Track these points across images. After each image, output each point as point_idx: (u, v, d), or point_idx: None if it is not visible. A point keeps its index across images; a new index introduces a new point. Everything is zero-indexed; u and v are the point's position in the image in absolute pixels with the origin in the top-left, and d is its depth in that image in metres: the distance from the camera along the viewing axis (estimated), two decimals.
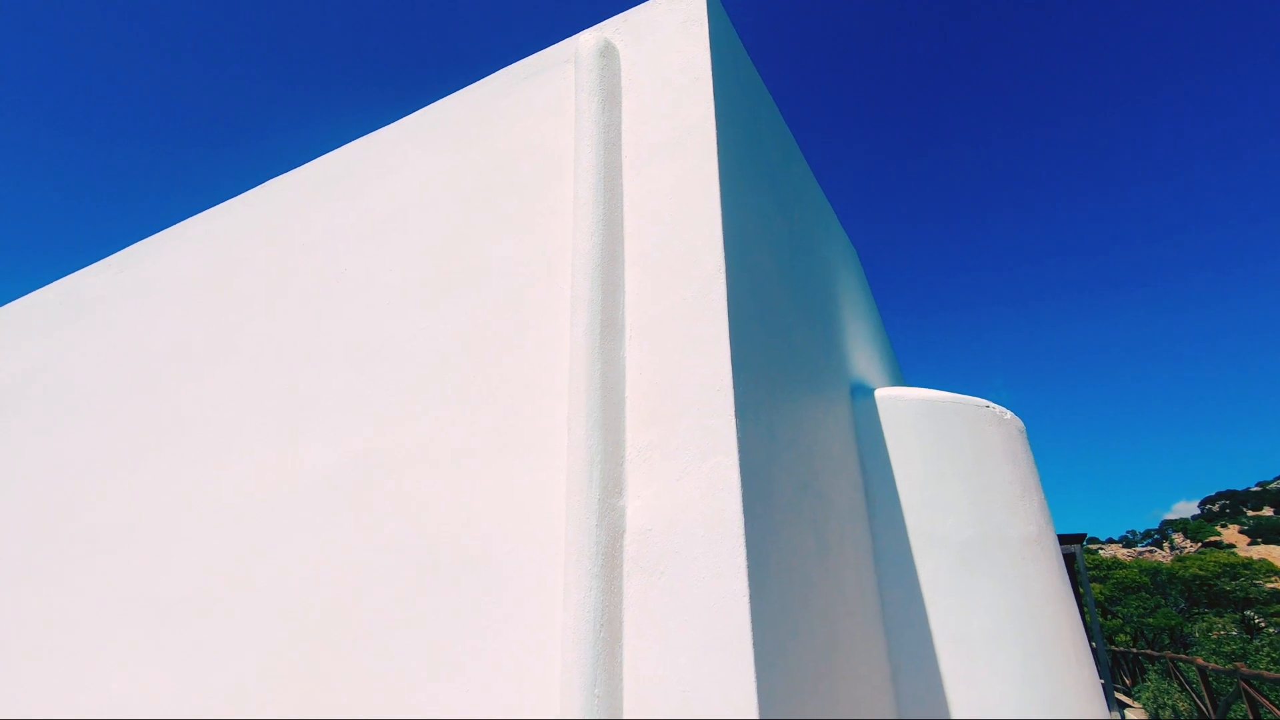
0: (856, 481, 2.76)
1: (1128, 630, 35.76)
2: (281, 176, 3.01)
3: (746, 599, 1.27)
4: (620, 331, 1.64)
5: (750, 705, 1.20)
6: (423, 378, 2.05)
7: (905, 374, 5.76)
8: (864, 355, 3.71)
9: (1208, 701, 11.52)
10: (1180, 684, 13.20)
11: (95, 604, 2.43)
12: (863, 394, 3.09)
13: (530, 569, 1.58)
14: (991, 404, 3.01)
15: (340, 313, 2.39)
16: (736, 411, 1.43)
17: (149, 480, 2.58)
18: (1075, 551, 16.29)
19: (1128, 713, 14.01)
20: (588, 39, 2.20)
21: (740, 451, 1.40)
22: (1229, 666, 11.20)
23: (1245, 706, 9.97)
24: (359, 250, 2.46)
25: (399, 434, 2.02)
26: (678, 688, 1.28)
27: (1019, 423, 3.08)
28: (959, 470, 2.80)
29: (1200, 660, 12.51)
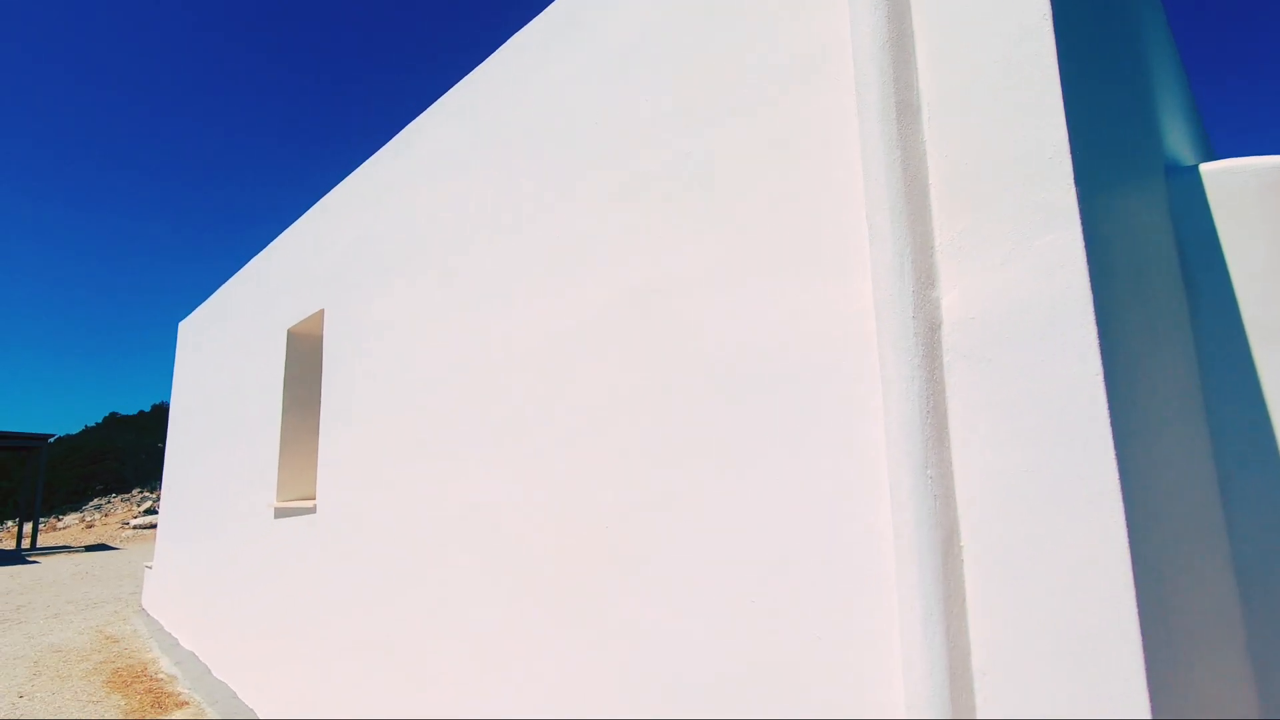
0: (1175, 271, 2.39)
1: None
2: (513, 37, 3.08)
3: (1101, 379, 1.18)
4: (916, 112, 1.48)
5: (1112, 483, 1.15)
6: (697, 202, 2.07)
7: (1216, 149, 4.70)
8: (1175, 127, 3.08)
9: None
10: None
11: (451, 425, 2.98)
12: (1178, 173, 2.59)
13: (838, 372, 1.61)
14: None
15: (601, 152, 2.46)
16: (1076, 179, 1.26)
17: (470, 326, 3.01)
18: None
19: None
20: None
21: (1083, 224, 1.24)
22: None
23: None
24: (609, 89, 2.47)
25: (682, 260, 2.10)
26: (1020, 469, 1.26)
27: None
28: None
29: None
